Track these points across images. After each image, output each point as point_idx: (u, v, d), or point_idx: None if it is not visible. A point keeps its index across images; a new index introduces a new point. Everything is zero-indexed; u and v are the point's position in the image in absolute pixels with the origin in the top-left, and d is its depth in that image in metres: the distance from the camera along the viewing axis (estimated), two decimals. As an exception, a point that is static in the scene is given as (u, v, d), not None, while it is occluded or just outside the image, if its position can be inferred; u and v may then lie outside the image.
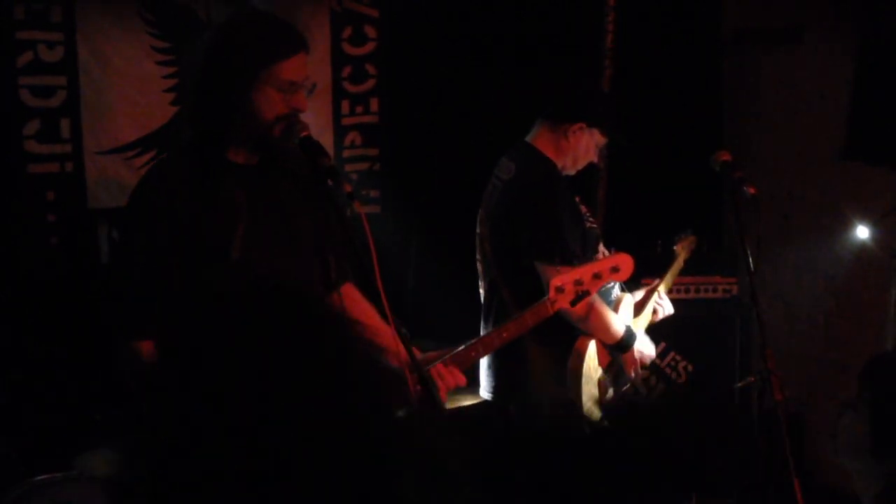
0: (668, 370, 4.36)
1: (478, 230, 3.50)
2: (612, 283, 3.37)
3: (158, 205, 2.33)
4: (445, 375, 2.55)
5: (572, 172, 3.49)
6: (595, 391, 3.30)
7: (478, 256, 3.51)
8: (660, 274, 3.73)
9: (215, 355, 1.04)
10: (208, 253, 2.32)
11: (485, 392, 3.48)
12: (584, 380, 3.24)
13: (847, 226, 4.69)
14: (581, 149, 3.41)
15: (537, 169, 3.37)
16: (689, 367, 4.44)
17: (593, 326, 3.25)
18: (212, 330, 1.06)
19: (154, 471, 1.02)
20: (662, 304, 3.60)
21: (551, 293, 2.91)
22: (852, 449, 2.11)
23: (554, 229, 3.22)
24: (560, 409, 3.29)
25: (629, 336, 3.32)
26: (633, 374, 3.40)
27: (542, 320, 2.95)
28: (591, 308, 3.19)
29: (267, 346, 1.03)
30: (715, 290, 4.50)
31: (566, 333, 3.25)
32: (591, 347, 3.27)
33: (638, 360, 3.37)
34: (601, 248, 3.45)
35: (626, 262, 3.06)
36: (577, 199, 3.46)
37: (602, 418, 3.35)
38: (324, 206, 2.50)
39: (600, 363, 3.33)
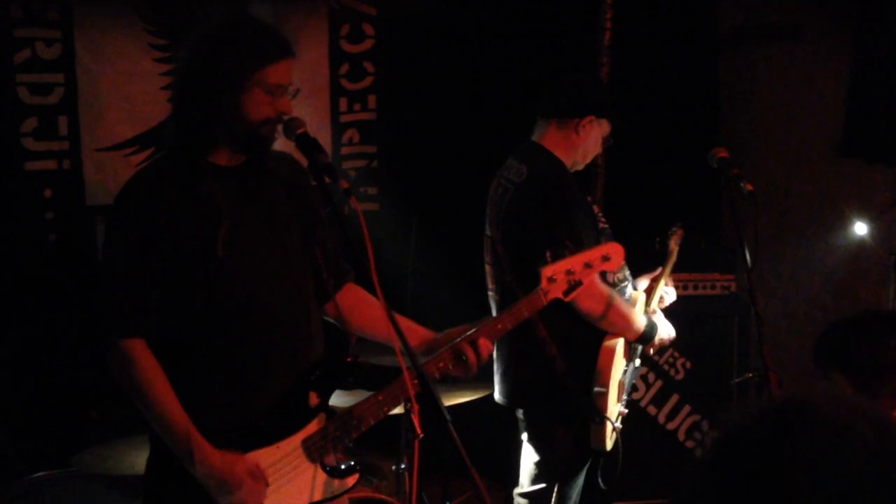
0: (665, 366, 4.36)
1: (487, 232, 3.44)
2: (626, 283, 3.37)
3: (140, 205, 2.35)
4: (481, 346, 2.53)
5: (581, 167, 3.48)
6: (615, 390, 3.29)
7: (487, 259, 3.44)
8: (660, 266, 3.71)
9: None
10: (192, 251, 2.34)
11: (499, 396, 3.44)
12: (612, 378, 3.22)
13: (845, 222, 4.69)
14: (591, 142, 3.40)
15: (549, 170, 3.34)
16: (688, 364, 4.45)
17: (615, 323, 3.23)
18: None
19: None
20: (668, 291, 3.60)
21: (543, 283, 2.88)
22: None
23: (568, 229, 3.19)
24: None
25: (651, 328, 3.32)
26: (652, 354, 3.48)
27: (537, 311, 2.93)
28: (611, 306, 3.17)
29: None
30: (713, 287, 4.50)
31: (588, 333, 3.22)
32: (620, 345, 3.26)
33: (659, 346, 3.40)
34: None
35: (616, 250, 3.01)
36: (588, 199, 3.45)
37: (618, 417, 3.34)
38: (314, 206, 2.54)
39: (623, 356, 3.34)
